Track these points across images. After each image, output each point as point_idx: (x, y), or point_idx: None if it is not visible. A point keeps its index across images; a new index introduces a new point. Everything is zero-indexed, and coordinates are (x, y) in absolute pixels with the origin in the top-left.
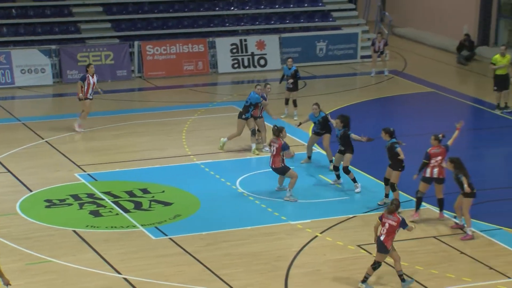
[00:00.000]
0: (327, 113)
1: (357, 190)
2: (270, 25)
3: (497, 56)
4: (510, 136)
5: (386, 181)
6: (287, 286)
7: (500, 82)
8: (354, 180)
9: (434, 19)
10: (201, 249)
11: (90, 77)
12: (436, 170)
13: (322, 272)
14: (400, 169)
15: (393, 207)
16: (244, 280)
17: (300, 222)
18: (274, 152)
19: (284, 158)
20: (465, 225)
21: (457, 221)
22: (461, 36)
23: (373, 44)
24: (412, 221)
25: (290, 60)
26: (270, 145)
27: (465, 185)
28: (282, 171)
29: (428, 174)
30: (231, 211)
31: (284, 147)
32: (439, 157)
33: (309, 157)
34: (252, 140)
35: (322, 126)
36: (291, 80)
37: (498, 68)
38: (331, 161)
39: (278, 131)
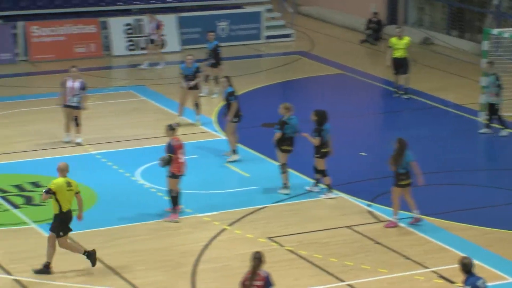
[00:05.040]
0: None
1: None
2: (166, 4)
3: (394, 39)
4: (421, 118)
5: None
6: (194, 283)
7: (398, 65)
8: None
9: None
10: (100, 245)
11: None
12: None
13: (232, 267)
14: (317, 155)
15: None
16: (147, 278)
17: (207, 214)
18: None
19: None
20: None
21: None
22: (369, 15)
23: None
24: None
25: (190, 57)
26: None
27: None
28: None
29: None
30: (131, 205)
31: None
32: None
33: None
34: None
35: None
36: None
37: (395, 50)
38: (233, 151)
39: None
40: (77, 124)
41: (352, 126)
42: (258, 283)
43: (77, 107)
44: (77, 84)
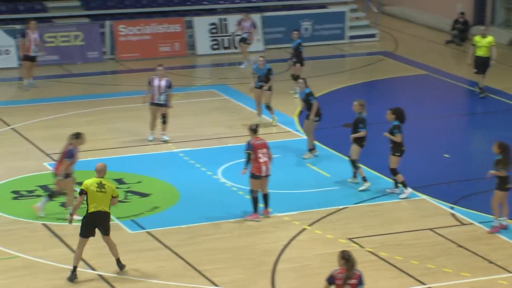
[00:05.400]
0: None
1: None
2: (251, 3)
3: (477, 37)
4: (507, 120)
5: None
6: (274, 282)
7: (479, 64)
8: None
9: None
10: (181, 243)
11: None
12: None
13: (312, 267)
14: (397, 153)
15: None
16: (227, 276)
17: (287, 214)
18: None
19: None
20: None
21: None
22: (455, 15)
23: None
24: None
25: (261, 59)
26: None
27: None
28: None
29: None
30: (213, 203)
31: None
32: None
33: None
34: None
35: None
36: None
37: (478, 48)
38: (312, 149)
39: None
40: (164, 122)
41: (436, 127)
42: (353, 281)
43: (164, 105)
44: (163, 82)
